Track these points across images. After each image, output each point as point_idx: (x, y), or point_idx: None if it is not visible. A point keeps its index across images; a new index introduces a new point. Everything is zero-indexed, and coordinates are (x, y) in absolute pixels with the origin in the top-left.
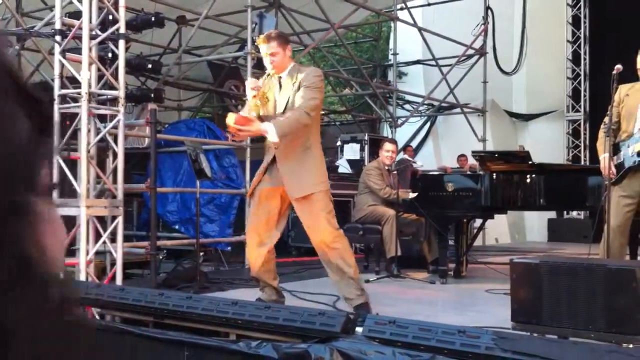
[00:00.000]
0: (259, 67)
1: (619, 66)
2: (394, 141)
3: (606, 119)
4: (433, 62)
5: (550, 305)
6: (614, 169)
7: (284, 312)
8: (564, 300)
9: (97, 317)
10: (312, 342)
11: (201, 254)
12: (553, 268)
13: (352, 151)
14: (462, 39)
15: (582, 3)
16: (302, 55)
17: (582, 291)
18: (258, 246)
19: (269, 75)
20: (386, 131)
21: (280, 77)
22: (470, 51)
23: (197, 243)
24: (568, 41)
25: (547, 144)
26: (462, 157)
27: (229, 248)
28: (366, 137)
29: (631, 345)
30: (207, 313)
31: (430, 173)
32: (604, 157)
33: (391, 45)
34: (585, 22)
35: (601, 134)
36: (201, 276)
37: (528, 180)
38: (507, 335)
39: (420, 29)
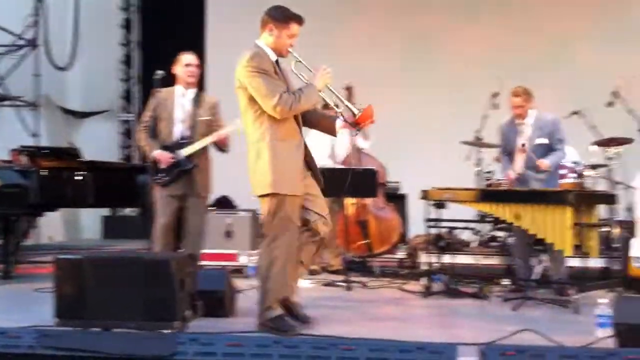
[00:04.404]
0: None
1: (160, 72)
2: None
3: (145, 119)
4: None
5: (94, 299)
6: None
7: None
8: (107, 294)
9: None
10: None
11: None
12: (96, 263)
13: None
14: (14, 28)
15: (135, 8)
16: None
17: (124, 283)
18: None
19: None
20: None
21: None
22: (23, 42)
23: None
24: (121, 44)
25: (101, 143)
26: (15, 152)
27: None
28: None
29: (168, 331)
30: None
31: None
32: (158, 152)
33: None
34: (137, 27)
35: (142, 134)
36: None
37: (79, 178)
38: (51, 332)
39: None
